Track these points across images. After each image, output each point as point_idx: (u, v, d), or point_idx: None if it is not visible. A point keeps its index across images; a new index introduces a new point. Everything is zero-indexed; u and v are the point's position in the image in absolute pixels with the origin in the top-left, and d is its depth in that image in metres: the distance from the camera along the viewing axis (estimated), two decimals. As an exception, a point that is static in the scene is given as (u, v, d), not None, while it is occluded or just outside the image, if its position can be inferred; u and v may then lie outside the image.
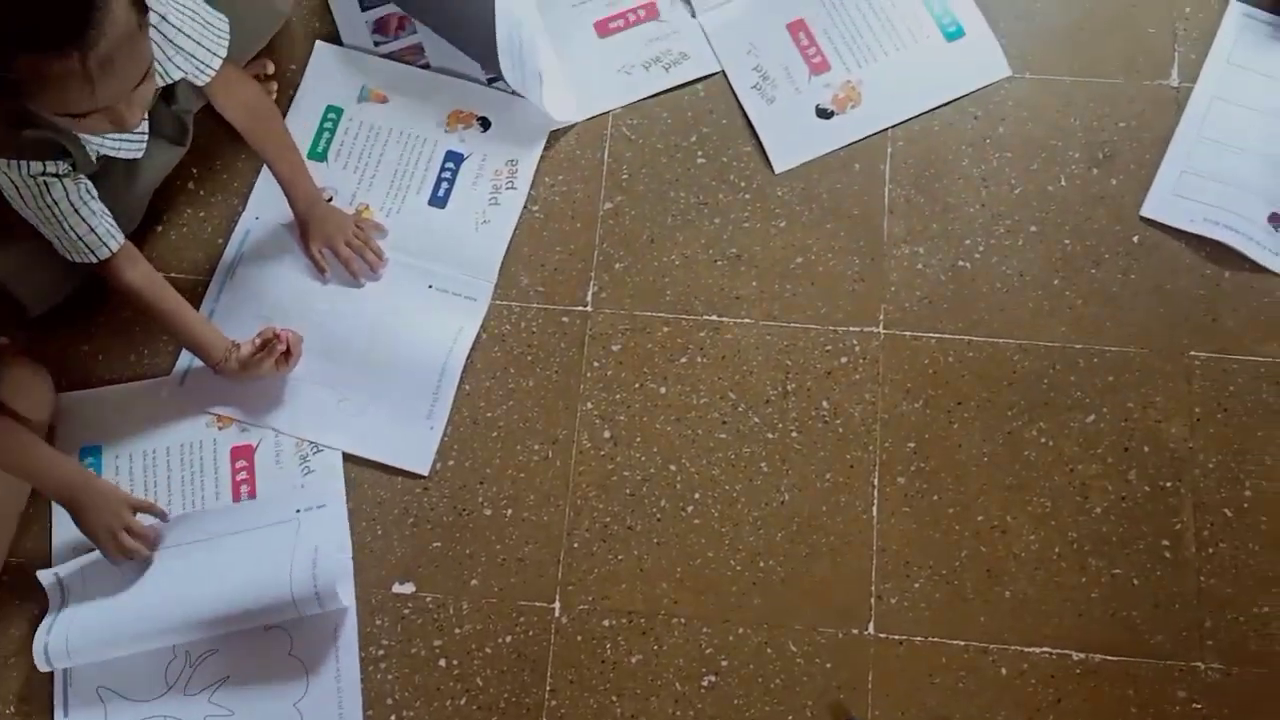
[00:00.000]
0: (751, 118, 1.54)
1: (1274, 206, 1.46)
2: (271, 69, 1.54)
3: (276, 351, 1.39)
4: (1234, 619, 1.33)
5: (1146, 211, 1.48)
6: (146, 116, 1.30)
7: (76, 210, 1.26)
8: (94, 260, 1.30)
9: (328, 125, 1.55)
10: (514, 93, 1.53)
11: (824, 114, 1.53)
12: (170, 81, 1.27)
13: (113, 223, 1.30)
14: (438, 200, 1.52)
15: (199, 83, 1.30)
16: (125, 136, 1.28)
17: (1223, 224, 1.45)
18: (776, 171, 1.52)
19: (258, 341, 1.40)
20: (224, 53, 1.29)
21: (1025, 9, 1.56)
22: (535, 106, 1.53)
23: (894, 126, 1.52)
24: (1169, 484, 1.38)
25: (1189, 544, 1.36)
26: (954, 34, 1.54)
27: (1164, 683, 1.31)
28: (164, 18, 1.21)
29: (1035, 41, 1.55)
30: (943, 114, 1.53)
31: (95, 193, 1.28)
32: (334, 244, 1.47)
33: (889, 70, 1.54)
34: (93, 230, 1.28)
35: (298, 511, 1.38)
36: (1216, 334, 1.43)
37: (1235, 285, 1.44)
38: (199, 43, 1.26)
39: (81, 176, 1.26)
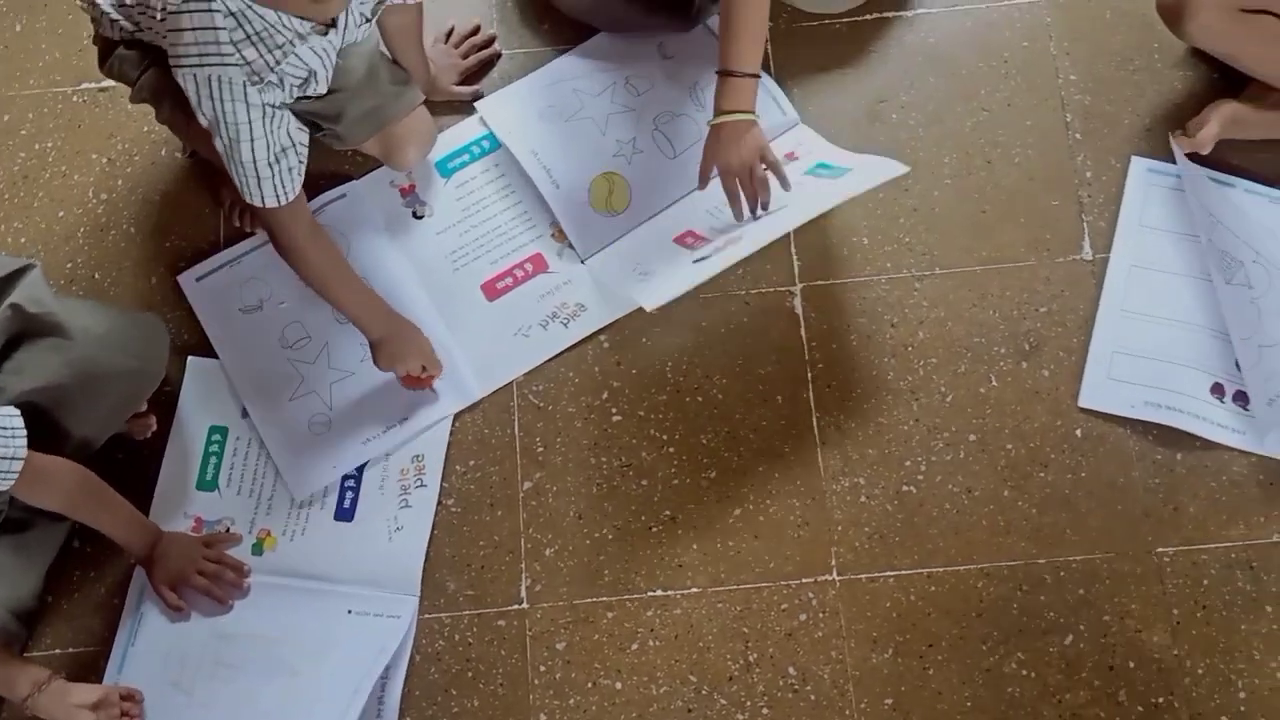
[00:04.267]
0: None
1: (1213, 376, 1.40)
2: (143, 406, 1.42)
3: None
4: (1254, 841, 1.26)
5: (1084, 402, 1.41)
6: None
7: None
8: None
9: (214, 449, 1.43)
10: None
11: (699, 260, 1.40)
12: None
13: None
14: (344, 514, 1.41)
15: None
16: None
17: (1165, 405, 1.39)
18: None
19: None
20: None
21: (920, 203, 1.50)
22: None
23: (812, 346, 1.45)
24: (1161, 699, 1.31)
25: (1194, 764, 1.29)
26: (841, 172, 1.43)
27: None
28: None
29: (936, 234, 1.49)
30: (857, 328, 1.46)
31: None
32: (186, 578, 1.35)
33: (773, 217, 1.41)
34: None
35: None
36: (1180, 524, 1.37)
37: (1189, 468, 1.38)
38: None
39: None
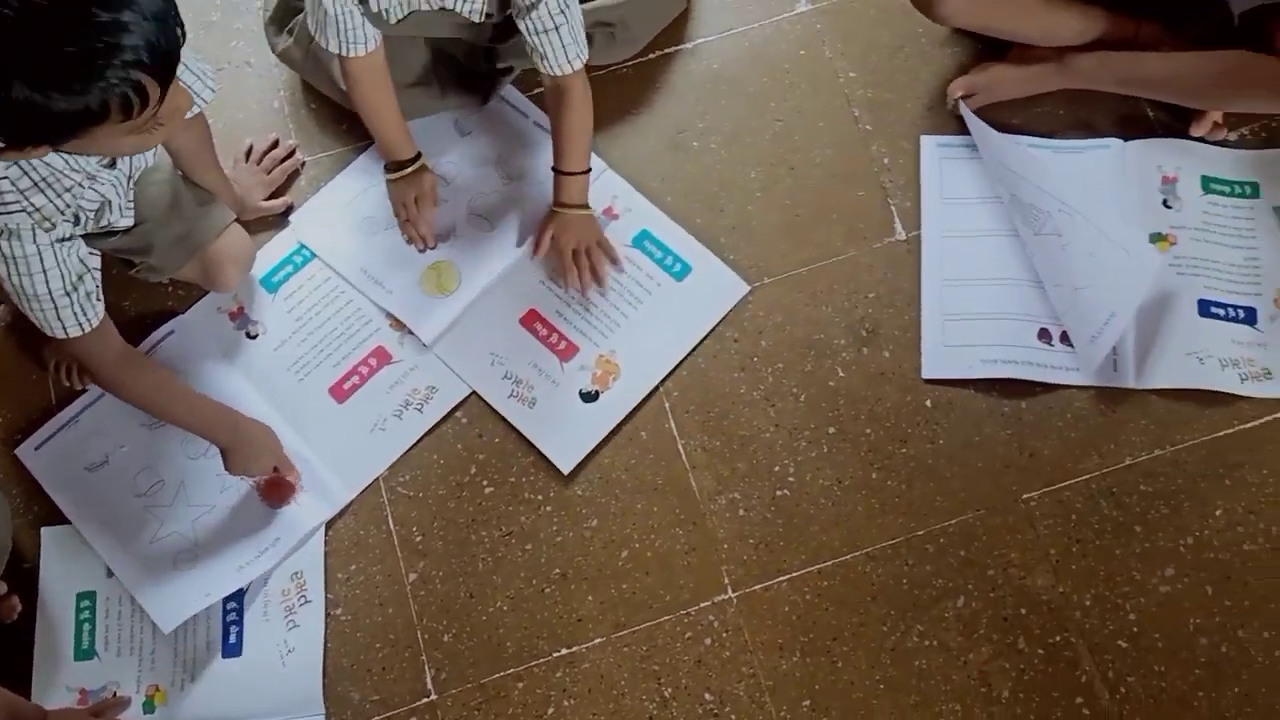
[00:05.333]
0: (519, 428, 1.46)
1: (1038, 323, 1.47)
2: (3, 588, 1.37)
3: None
4: (1173, 752, 1.30)
5: (927, 373, 1.47)
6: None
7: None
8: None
9: (85, 616, 1.39)
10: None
11: (589, 397, 1.47)
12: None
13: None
14: (231, 649, 1.38)
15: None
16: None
17: (1000, 360, 1.45)
18: (566, 472, 1.44)
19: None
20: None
21: (737, 221, 1.55)
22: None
23: (662, 381, 1.48)
24: (1058, 638, 1.35)
25: (1101, 692, 1.33)
26: (681, 272, 1.51)
27: None
28: None
29: (759, 247, 1.54)
30: (704, 350, 1.49)
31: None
32: None
33: (635, 330, 1.49)
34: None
35: None
36: (1039, 468, 1.42)
37: (1036, 414, 1.44)
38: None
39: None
